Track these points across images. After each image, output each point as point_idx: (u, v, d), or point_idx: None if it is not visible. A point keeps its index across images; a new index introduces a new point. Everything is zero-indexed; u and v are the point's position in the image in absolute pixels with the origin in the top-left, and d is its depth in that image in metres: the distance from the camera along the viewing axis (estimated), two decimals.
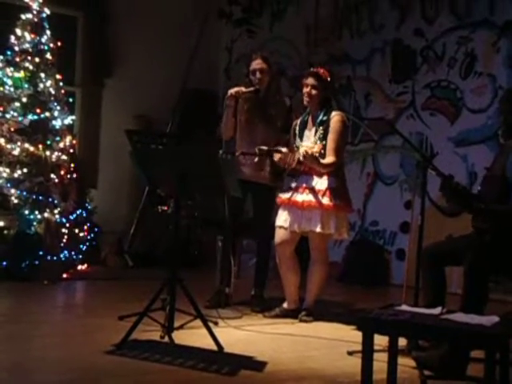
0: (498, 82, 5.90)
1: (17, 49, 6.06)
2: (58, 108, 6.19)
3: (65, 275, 5.82)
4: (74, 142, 6.55)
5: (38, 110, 5.98)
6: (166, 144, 3.58)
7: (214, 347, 3.44)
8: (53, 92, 6.16)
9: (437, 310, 2.94)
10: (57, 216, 5.89)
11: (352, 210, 4.59)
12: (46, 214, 5.80)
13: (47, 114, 6.05)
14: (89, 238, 6.44)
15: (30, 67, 6.04)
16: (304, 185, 4.40)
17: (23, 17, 6.10)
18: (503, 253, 3.25)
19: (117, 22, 7.77)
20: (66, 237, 5.94)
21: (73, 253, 6.04)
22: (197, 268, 6.61)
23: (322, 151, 4.37)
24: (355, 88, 7.20)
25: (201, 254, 7.07)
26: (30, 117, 5.97)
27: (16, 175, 5.81)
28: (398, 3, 6.78)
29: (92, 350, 3.34)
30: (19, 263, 5.56)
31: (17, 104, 5.96)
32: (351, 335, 3.85)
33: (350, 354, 3.49)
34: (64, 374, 3.00)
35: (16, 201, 5.76)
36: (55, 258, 5.75)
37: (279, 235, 4.50)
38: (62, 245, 5.89)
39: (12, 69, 6.01)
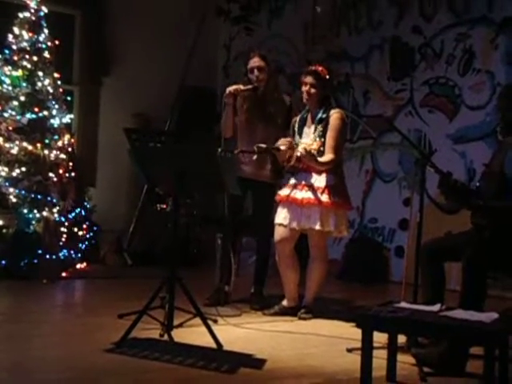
0: (496, 78, 5.90)
1: (15, 47, 6.05)
2: (56, 107, 6.18)
3: (64, 274, 5.82)
4: (73, 140, 6.54)
5: (36, 109, 5.98)
6: (164, 142, 3.58)
7: (214, 345, 3.45)
8: (51, 90, 6.15)
9: (436, 307, 2.95)
10: (56, 215, 5.88)
11: (351, 207, 4.60)
12: (44, 213, 5.80)
13: (45, 112, 6.05)
14: (88, 236, 6.44)
15: (28, 66, 6.03)
16: (303, 182, 4.40)
17: (21, 15, 6.08)
18: (502, 249, 3.26)
19: (114, 20, 7.77)
20: (64, 235, 5.94)
21: (72, 251, 6.04)
22: (196, 266, 6.60)
23: (322, 148, 4.37)
24: (354, 85, 7.19)
25: (200, 252, 7.07)
26: (28, 115, 5.96)
27: (14, 174, 5.81)
28: (396, 0, 6.78)
29: (91, 349, 3.34)
30: (18, 262, 5.55)
31: (15, 103, 5.95)
32: (350, 332, 3.85)
33: (350, 351, 3.50)
34: (64, 373, 3.00)
35: (15, 200, 5.76)
36: (54, 256, 5.74)
37: (279, 233, 4.50)
38: (61, 243, 5.89)
39: (10, 67, 6.00)
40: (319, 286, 4.57)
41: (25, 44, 6.06)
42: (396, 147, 6.60)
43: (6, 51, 6.04)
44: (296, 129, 4.57)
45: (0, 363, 3.10)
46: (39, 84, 6.06)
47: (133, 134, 3.62)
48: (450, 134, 6.24)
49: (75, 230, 6.16)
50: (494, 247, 3.23)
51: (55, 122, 6.13)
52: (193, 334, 3.69)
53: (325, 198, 4.31)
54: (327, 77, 4.48)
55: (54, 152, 6.05)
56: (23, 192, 5.78)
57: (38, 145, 5.93)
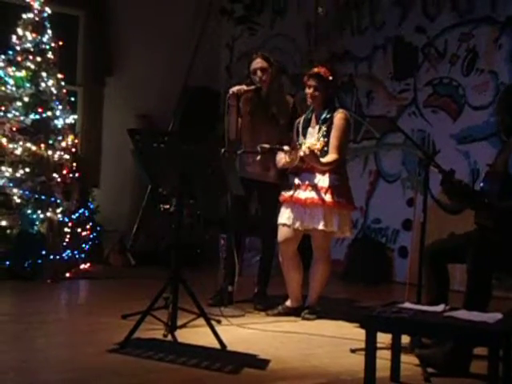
0: (499, 78, 5.89)
1: (18, 48, 6.07)
2: (60, 107, 6.19)
3: (67, 274, 5.83)
4: (76, 141, 6.56)
5: (39, 110, 5.99)
6: (167, 143, 3.58)
7: (217, 345, 3.45)
8: (54, 91, 6.17)
9: (440, 308, 2.94)
10: (59, 215, 5.89)
11: (354, 207, 4.59)
12: (48, 214, 5.81)
13: (49, 113, 6.06)
14: (91, 236, 6.45)
15: (32, 66, 6.05)
16: (307, 182, 4.40)
17: (24, 16, 6.10)
18: (506, 250, 3.25)
19: (118, 21, 7.78)
20: (68, 236, 5.95)
21: (75, 252, 6.05)
22: (199, 267, 6.61)
23: (326, 148, 4.37)
24: (357, 86, 7.19)
25: (203, 252, 7.08)
26: (31, 116, 5.97)
27: (18, 175, 5.82)
28: (400, 0, 6.77)
29: (95, 349, 3.35)
30: (22, 262, 5.56)
31: (19, 103, 5.97)
32: (354, 333, 3.84)
33: (353, 351, 3.49)
34: (67, 373, 3.01)
35: (18, 200, 5.77)
36: (58, 257, 5.75)
37: (282, 233, 4.50)
38: (65, 244, 5.90)
39: (14, 68, 6.02)
40: (322, 286, 4.57)
41: (28, 45, 6.08)
42: (399, 147, 6.59)
43: (10, 52, 6.05)
44: (300, 129, 4.57)
45: (5, 363, 3.10)
46: (43, 85, 6.08)
47: (136, 135, 3.62)
48: (454, 134, 6.23)
49: (79, 230, 6.17)
50: (498, 248, 3.22)
51: (59, 122, 6.14)
52: (196, 334, 3.69)
53: (328, 198, 4.31)
54: (330, 78, 4.47)
55: (58, 153, 6.06)
56: (27, 193, 5.79)
57: (42, 145, 5.95)
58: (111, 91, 7.81)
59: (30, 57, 6.05)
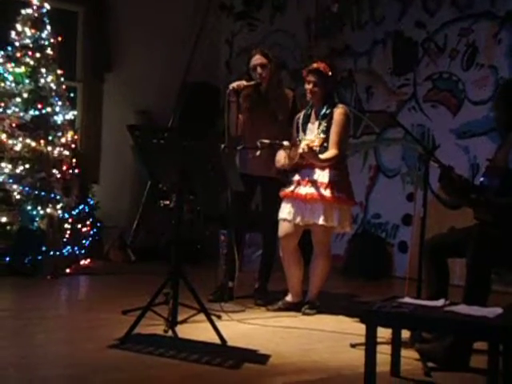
0: (499, 73, 5.88)
1: (17, 44, 6.06)
2: (60, 103, 6.19)
3: (68, 270, 5.83)
4: (76, 137, 6.55)
5: (39, 106, 5.99)
6: (167, 139, 3.58)
7: (218, 341, 3.45)
8: (54, 87, 6.16)
9: (440, 302, 2.94)
10: (59, 211, 5.90)
11: (355, 202, 4.59)
12: (48, 210, 5.81)
13: (48, 109, 6.06)
14: (91, 232, 6.45)
15: (31, 62, 6.04)
16: (307, 178, 4.40)
17: (23, 12, 6.09)
18: (506, 245, 3.25)
19: (117, 17, 7.77)
20: (68, 232, 5.96)
21: (75, 248, 6.06)
22: (199, 262, 6.61)
23: (325, 144, 4.36)
24: (357, 81, 7.19)
25: (203, 248, 7.08)
26: (31, 112, 5.97)
27: (18, 171, 5.82)
28: None
29: (95, 345, 3.35)
30: (22, 259, 5.57)
31: (18, 99, 5.96)
32: (354, 328, 3.85)
33: (354, 346, 3.50)
34: (67, 369, 3.01)
35: (18, 196, 5.77)
36: (58, 253, 5.76)
37: (283, 228, 4.50)
38: (65, 240, 5.90)
39: (13, 64, 6.01)
40: (323, 281, 4.58)
41: (28, 41, 6.07)
42: (399, 142, 6.59)
43: (9, 48, 6.05)
44: (300, 125, 4.56)
45: (4, 359, 3.11)
46: (42, 81, 6.07)
47: (136, 131, 3.62)
48: (454, 128, 6.23)
49: (79, 226, 6.17)
50: (498, 243, 3.22)
51: (58, 118, 6.14)
52: (197, 329, 3.70)
53: (328, 193, 4.31)
54: (330, 73, 4.47)
55: (58, 149, 6.06)
56: (27, 189, 5.79)
57: (42, 141, 5.95)
58: (111, 87, 7.81)
59: (30, 53, 6.05)
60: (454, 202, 3.73)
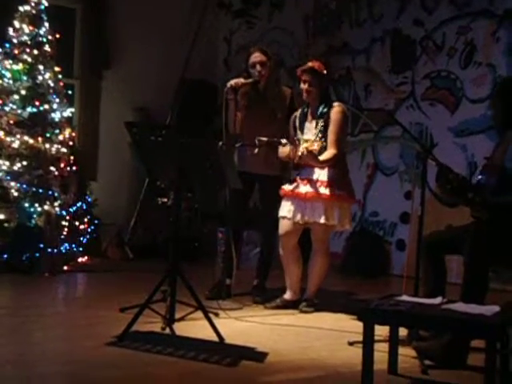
0: (497, 71, 5.89)
1: (15, 41, 6.05)
2: (57, 100, 6.18)
3: (65, 267, 5.83)
4: (74, 134, 6.55)
5: (36, 103, 5.98)
6: (165, 136, 3.58)
7: (215, 338, 3.45)
8: (52, 84, 6.15)
9: (437, 300, 2.95)
10: (57, 208, 5.89)
11: (355, 200, 4.59)
12: (46, 207, 5.80)
13: (46, 106, 6.05)
14: (89, 230, 6.45)
15: (29, 59, 6.03)
16: (307, 177, 4.40)
17: (21, 9, 6.08)
18: (503, 243, 3.25)
19: (115, 14, 7.75)
20: (66, 229, 5.95)
21: (73, 245, 6.05)
22: (197, 260, 6.61)
23: (324, 143, 4.34)
24: (355, 78, 7.18)
25: (201, 246, 7.08)
26: (28, 109, 5.96)
27: (16, 168, 5.81)
28: None
29: (93, 342, 3.35)
30: (20, 256, 5.56)
31: (16, 97, 5.95)
32: (352, 325, 3.85)
33: (351, 344, 3.50)
34: (65, 366, 3.01)
35: (16, 193, 5.76)
36: (56, 250, 5.75)
37: (283, 226, 4.50)
38: (63, 237, 5.90)
39: (10, 61, 6.00)
40: (321, 279, 4.58)
41: (25, 38, 6.06)
42: (397, 140, 6.59)
43: (7, 45, 6.03)
44: (297, 124, 4.56)
45: (2, 356, 3.10)
46: (40, 78, 6.06)
47: (134, 128, 3.62)
48: (452, 127, 6.24)
49: (76, 223, 6.17)
50: (495, 241, 3.23)
51: (56, 115, 6.13)
52: (194, 327, 3.70)
53: (328, 191, 4.31)
54: (324, 72, 4.44)
55: (55, 146, 6.05)
56: (24, 186, 5.78)
57: (39, 139, 5.94)
58: (108, 84, 7.80)
59: (27, 50, 6.03)
60: (451, 200, 3.73)
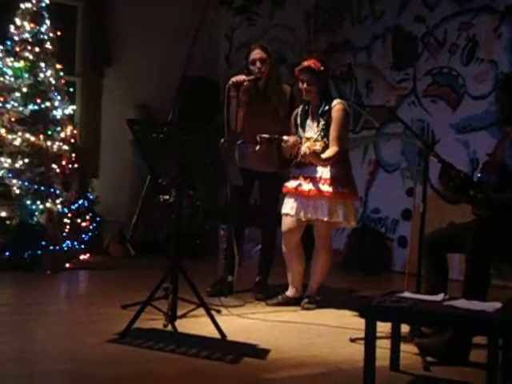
0: (499, 67, 5.88)
1: (16, 38, 6.05)
2: (59, 98, 6.18)
3: (67, 265, 5.83)
4: (75, 131, 6.55)
5: (38, 100, 5.98)
6: (167, 133, 3.58)
7: (217, 335, 3.45)
8: (53, 82, 6.15)
9: (439, 297, 2.94)
10: (59, 206, 5.89)
11: (357, 196, 4.59)
12: (47, 204, 5.81)
13: (48, 103, 6.05)
14: (91, 227, 6.45)
15: (30, 57, 6.03)
16: (310, 175, 4.39)
17: (23, 6, 6.08)
18: (504, 240, 3.25)
19: (117, 11, 7.75)
20: (68, 227, 5.96)
21: (75, 242, 6.06)
22: (199, 257, 6.62)
23: (327, 142, 4.34)
24: (356, 75, 7.18)
25: (203, 243, 7.08)
26: (30, 107, 5.97)
27: (17, 165, 5.81)
28: None
29: (95, 340, 3.35)
30: (22, 253, 5.57)
31: (17, 94, 5.96)
32: (354, 322, 3.86)
33: (353, 340, 3.50)
34: (67, 364, 3.01)
35: (18, 191, 5.77)
36: (57, 247, 5.75)
37: (286, 223, 4.50)
38: (64, 235, 5.90)
39: (12, 59, 6.01)
40: (323, 276, 4.58)
41: (27, 35, 6.06)
42: (399, 137, 6.59)
43: (8, 42, 6.04)
44: (299, 122, 4.55)
45: (4, 354, 3.11)
46: (41, 75, 6.06)
47: (135, 125, 3.62)
48: (453, 123, 6.23)
49: (78, 221, 6.18)
50: (496, 238, 3.23)
51: (58, 113, 6.13)
52: (196, 324, 3.70)
53: (331, 189, 4.30)
54: (322, 68, 4.41)
55: (57, 143, 6.06)
56: (26, 183, 5.79)
57: (41, 136, 5.94)
58: (110, 82, 7.80)
59: (29, 47, 6.04)
60: (454, 197, 3.73)
